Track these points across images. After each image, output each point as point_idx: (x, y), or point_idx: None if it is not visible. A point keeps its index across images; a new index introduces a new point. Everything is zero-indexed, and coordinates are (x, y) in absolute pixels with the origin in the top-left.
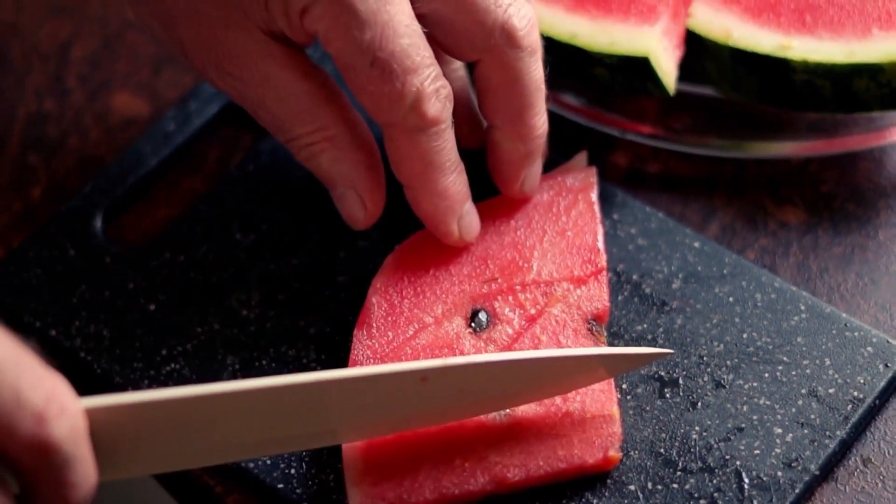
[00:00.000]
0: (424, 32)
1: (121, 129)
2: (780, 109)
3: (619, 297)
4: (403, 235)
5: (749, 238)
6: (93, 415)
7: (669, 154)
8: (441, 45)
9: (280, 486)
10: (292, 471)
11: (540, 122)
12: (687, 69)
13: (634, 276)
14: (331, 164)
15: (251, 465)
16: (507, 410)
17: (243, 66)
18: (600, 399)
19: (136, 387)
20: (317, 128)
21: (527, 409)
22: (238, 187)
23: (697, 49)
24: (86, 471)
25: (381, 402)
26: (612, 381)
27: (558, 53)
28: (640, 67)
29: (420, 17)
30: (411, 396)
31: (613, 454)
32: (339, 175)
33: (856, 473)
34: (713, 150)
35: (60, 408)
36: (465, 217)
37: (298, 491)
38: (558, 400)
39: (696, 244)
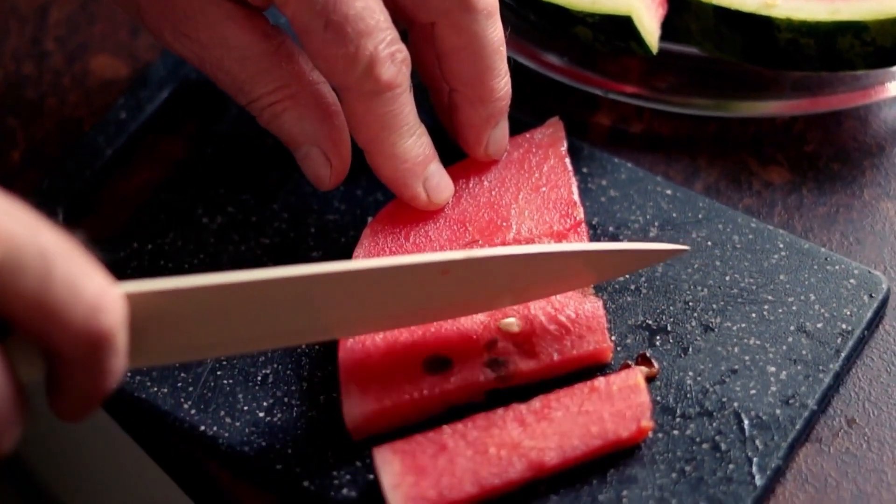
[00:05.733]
0: None
1: (100, 91)
2: (764, 68)
3: None
4: (372, 206)
5: (733, 198)
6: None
7: (653, 114)
8: (395, 8)
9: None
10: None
11: (501, 84)
12: (670, 28)
13: (610, 228)
14: (294, 123)
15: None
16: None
17: (200, 29)
18: (624, 371)
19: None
20: (278, 86)
21: (553, 389)
22: (198, 171)
23: (681, 8)
24: (121, 358)
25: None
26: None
27: (540, 12)
28: (622, 26)
29: None
30: (428, 289)
31: (646, 424)
32: (303, 133)
33: (840, 434)
34: (697, 110)
35: (113, 298)
36: (431, 179)
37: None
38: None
39: (668, 191)
